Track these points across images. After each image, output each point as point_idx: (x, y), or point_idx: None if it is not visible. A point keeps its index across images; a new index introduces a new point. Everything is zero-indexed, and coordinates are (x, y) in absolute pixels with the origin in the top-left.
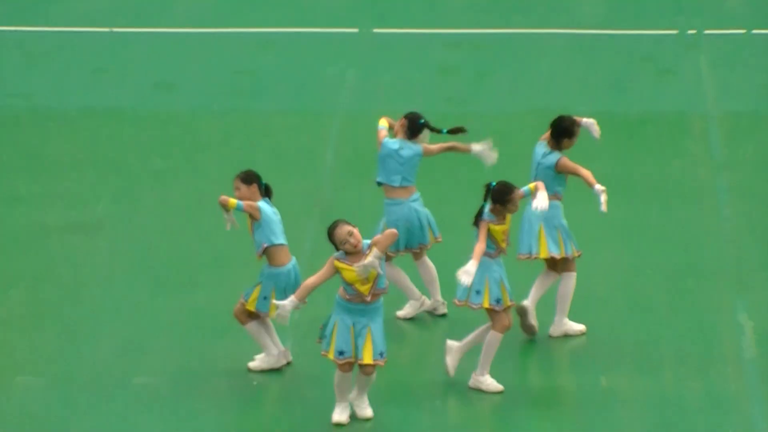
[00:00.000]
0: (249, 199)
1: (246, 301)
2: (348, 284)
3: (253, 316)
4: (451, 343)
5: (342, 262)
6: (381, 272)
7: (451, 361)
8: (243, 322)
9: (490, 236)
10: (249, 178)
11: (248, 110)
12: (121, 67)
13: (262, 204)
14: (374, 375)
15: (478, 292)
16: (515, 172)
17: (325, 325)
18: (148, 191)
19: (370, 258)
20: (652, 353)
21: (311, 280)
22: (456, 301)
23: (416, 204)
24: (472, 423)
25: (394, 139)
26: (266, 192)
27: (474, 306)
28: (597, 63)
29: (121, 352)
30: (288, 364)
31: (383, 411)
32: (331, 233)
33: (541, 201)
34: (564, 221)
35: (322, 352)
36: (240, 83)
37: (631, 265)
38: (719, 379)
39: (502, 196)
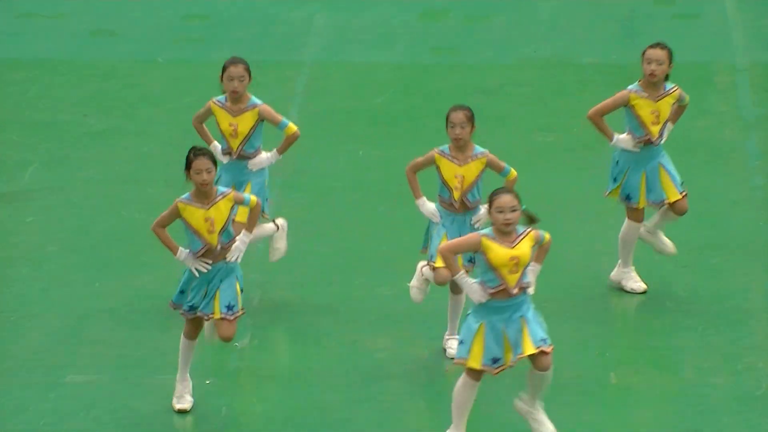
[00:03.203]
0: None
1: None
2: (492, 269)
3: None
4: None
5: (491, 240)
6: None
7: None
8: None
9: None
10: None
11: (201, 61)
12: (52, 11)
13: None
14: (550, 373)
15: None
16: (510, 130)
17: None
18: (84, 155)
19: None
20: (671, 344)
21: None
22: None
23: None
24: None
25: None
26: None
27: None
28: (605, 6)
29: (53, 344)
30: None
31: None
32: (495, 197)
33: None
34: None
35: (455, 361)
36: (191, 30)
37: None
38: (748, 376)
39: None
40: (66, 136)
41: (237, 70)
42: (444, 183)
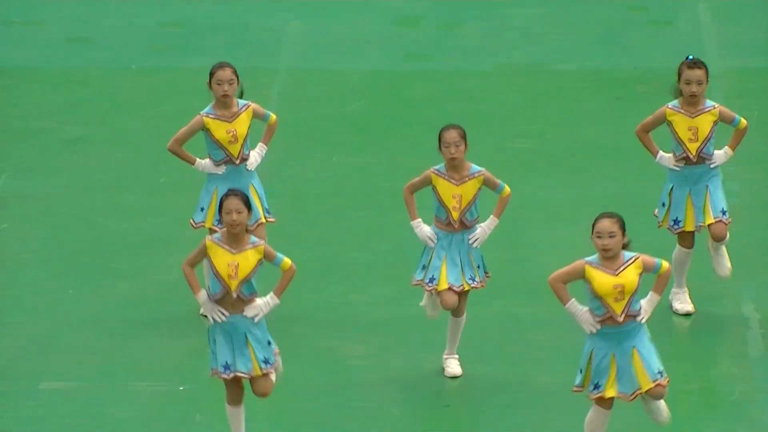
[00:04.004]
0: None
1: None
2: (596, 297)
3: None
4: None
5: (594, 267)
6: None
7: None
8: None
9: None
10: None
11: (175, 68)
12: (26, 18)
13: None
14: (663, 402)
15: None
16: (484, 137)
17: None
18: (58, 163)
19: None
20: None
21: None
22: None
23: None
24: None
25: None
26: None
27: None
28: (579, 13)
29: (27, 352)
30: None
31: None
32: (596, 221)
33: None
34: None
35: (573, 388)
36: (165, 37)
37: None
38: (722, 382)
39: None
40: (40, 144)
41: (225, 73)
42: (441, 203)
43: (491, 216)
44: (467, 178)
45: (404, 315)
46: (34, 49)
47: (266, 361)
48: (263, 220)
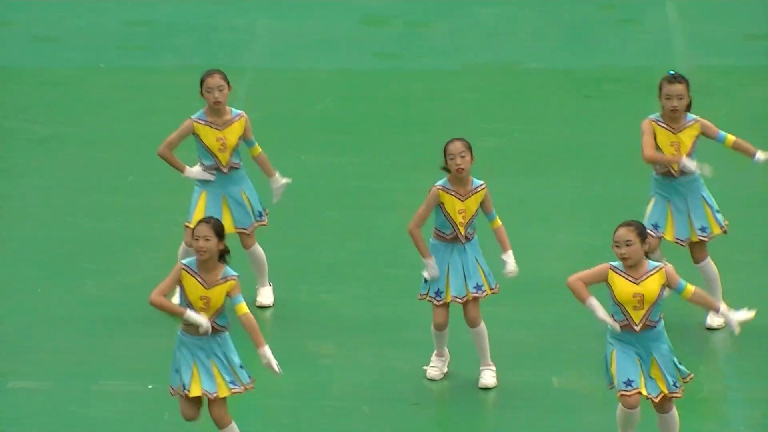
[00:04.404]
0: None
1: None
2: (615, 303)
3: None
4: None
5: (618, 273)
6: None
7: None
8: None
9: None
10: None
11: (144, 67)
12: None
13: None
14: (674, 414)
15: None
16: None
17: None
18: (29, 162)
19: None
20: None
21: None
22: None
23: None
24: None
25: None
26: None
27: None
28: (549, 12)
29: None
30: None
31: None
32: (616, 230)
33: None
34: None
35: (609, 386)
36: (134, 36)
37: (591, 247)
38: (690, 380)
39: None
40: (10, 144)
41: (214, 80)
42: (448, 218)
43: (507, 252)
44: (471, 193)
45: (375, 314)
46: (2, 48)
47: (233, 382)
48: (256, 225)
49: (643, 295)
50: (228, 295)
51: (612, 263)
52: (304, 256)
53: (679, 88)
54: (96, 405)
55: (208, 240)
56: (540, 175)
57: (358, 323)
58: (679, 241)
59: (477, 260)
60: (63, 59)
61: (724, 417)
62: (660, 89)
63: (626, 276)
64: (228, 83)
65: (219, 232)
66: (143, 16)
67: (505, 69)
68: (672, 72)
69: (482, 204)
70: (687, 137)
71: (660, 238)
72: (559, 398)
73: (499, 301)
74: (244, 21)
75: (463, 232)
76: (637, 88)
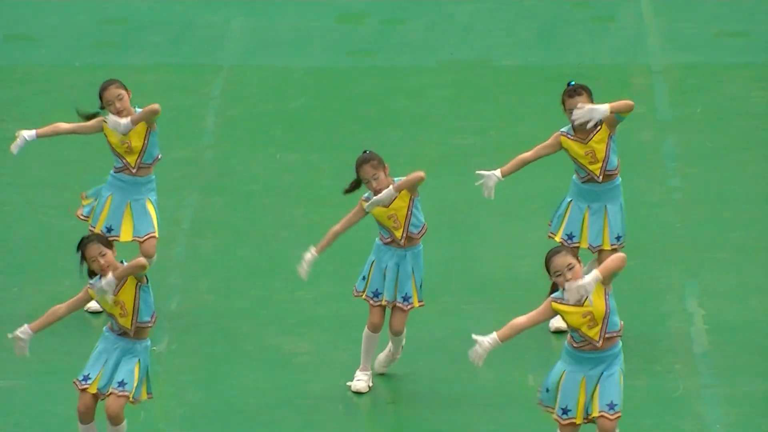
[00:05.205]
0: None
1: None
2: (572, 330)
3: None
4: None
5: (561, 303)
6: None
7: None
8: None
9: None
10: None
11: (118, 65)
12: None
13: None
14: None
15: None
16: (427, 133)
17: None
18: (2, 160)
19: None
20: None
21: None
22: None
23: None
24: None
25: None
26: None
27: None
28: (523, 9)
29: None
30: None
31: None
32: (548, 262)
33: None
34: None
35: (545, 409)
36: (108, 34)
37: None
38: (667, 378)
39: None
40: None
41: (111, 92)
42: (380, 224)
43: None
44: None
45: (349, 311)
46: None
47: (122, 384)
48: (156, 235)
49: (592, 312)
50: (139, 280)
51: (552, 296)
52: (278, 254)
53: (579, 100)
54: (69, 403)
55: (103, 255)
56: (515, 173)
57: (333, 321)
58: (591, 248)
59: (413, 271)
60: (37, 57)
61: (699, 415)
62: (563, 103)
63: (569, 303)
64: (126, 89)
65: (107, 242)
66: (118, 14)
67: (480, 66)
68: (572, 83)
69: (411, 191)
70: (598, 142)
71: (576, 247)
72: (535, 396)
73: (473, 299)
74: (220, 18)
75: (400, 235)
76: (612, 85)
